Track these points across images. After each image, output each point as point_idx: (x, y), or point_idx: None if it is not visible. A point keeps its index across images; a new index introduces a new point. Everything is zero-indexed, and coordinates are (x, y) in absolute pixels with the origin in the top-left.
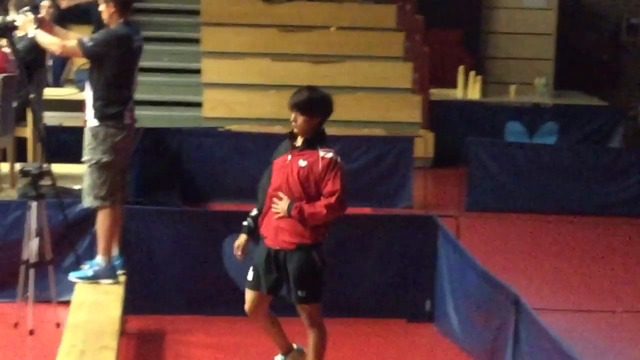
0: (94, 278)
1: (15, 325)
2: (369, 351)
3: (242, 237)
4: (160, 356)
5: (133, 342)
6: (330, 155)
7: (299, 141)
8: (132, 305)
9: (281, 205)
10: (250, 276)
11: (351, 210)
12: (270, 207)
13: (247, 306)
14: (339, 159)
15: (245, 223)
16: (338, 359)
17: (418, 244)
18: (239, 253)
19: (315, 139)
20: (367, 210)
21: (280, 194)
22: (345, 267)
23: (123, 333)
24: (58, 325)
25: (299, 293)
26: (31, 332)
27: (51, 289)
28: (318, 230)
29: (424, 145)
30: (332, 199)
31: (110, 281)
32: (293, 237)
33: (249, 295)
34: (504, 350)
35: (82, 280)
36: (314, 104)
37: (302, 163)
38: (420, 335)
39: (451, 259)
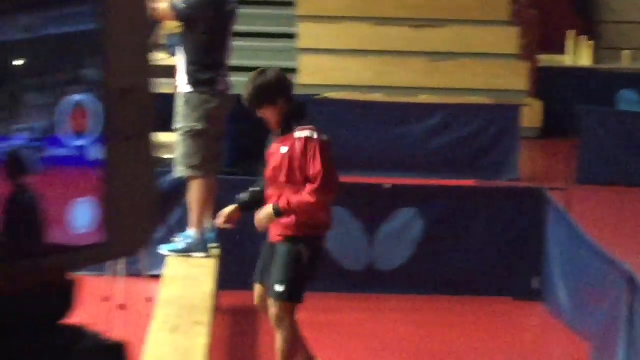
0: (186, 251)
1: (105, 299)
2: (473, 330)
3: (230, 207)
4: (253, 333)
5: (226, 318)
6: (304, 134)
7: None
8: (225, 280)
9: (261, 215)
10: (256, 270)
11: (455, 183)
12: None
13: (255, 300)
14: (315, 135)
15: (241, 195)
16: (442, 338)
17: (525, 219)
18: (221, 221)
19: (290, 121)
20: (471, 182)
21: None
22: (448, 243)
23: (216, 309)
24: (149, 299)
25: (277, 287)
26: (122, 307)
27: (141, 262)
28: (311, 221)
29: (531, 115)
30: (316, 183)
31: (202, 254)
32: (281, 229)
33: (255, 289)
34: (616, 331)
35: (174, 254)
36: (263, 91)
37: (283, 150)
38: (527, 314)
39: (561, 234)
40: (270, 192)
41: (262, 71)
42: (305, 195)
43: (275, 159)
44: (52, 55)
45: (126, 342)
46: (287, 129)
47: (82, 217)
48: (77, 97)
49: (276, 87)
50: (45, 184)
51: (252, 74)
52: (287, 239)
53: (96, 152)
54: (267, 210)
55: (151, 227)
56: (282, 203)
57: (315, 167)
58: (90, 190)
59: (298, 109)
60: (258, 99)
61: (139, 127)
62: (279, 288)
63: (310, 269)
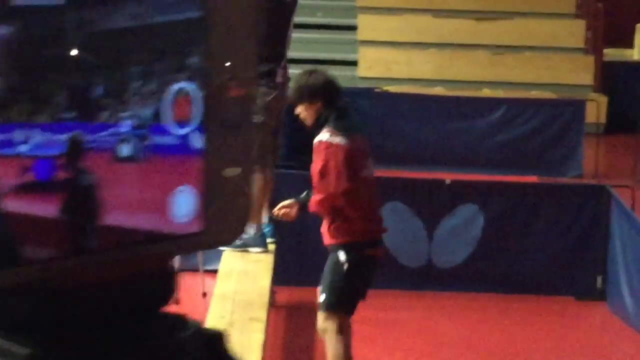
0: (243, 246)
1: None
2: (534, 330)
3: (290, 200)
4: (310, 330)
5: (282, 314)
6: (320, 137)
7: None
8: (281, 276)
9: (291, 213)
10: None
11: (516, 179)
12: None
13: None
14: (326, 138)
15: (301, 195)
16: (501, 337)
17: (589, 216)
18: (278, 211)
19: (321, 125)
20: (533, 178)
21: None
22: (510, 240)
23: (272, 305)
24: (205, 294)
25: (320, 297)
26: (177, 302)
27: (197, 257)
28: (343, 226)
29: (596, 110)
30: (315, 183)
31: (259, 249)
32: (323, 236)
33: (317, 291)
34: None
35: (230, 248)
36: (306, 90)
37: (314, 155)
38: (590, 314)
39: (625, 232)
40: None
41: (312, 72)
42: (313, 197)
43: (312, 161)
44: (159, 43)
45: (226, 332)
46: (318, 131)
47: (182, 205)
48: (181, 85)
49: (319, 90)
50: (148, 172)
51: (303, 71)
52: (330, 247)
53: (197, 141)
54: (294, 208)
55: (246, 218)
56: (312, 203)
57: (315, 167)
58: (191, 179)
59: (329, 115)
60: (298, 93)
61: (239, 117)
62: (320, 298)
63: (354, 278)
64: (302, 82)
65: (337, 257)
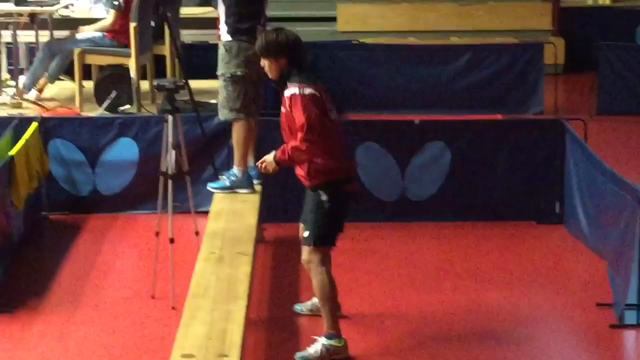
0: (231, 188)
1: (157, 234)
2: (502, 252)
3: (270, 155)
4: (295, 261)
5: (270, 248)
6: (291, 91)
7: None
8: (267, 213)
9: (266, 162)
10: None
11: (482, 117)
12: None
13: (300, 237)
14: (297, 91)
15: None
16: (470, 260)
17: (547, 148)
18: (261, 167)
19: (287, 79)
20: (498, 117)
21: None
22: (475, 173)
23: (260, 240)
24: (197, 233)
25: (304, 233)
26: (172, 241)
27: (189, 200)
28: (320, 168)
29: (555, 52)
30: (302, 132)
31: (247, 190)
32: (301, 178)
33: (299, 227)
34: (630, 248)
35: (220, 190)
36: (272, 47)
37: (282, 109)
38: (550, 236)
39: (579, 162)
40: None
41: (280, 29)
42: (295, 144)
43: (281, 115)
44: None
45: None
46: (285, 88)
47: None
48: None
49: (284, 47)
50: None
51: (271, 28)
52: (311, 187)
53: None
54: (269, 157)
55: None
56: (279, 152)
57: (298, 119)
58: None
59: (295, 69)
60: (265, 48)
61: None
62: (305, 234)
63: (335, 214)
64: (270, 39)
65: (319, 197)
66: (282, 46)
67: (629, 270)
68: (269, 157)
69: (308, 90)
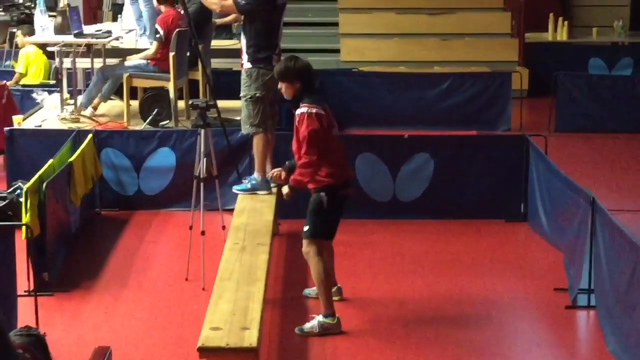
0: (252, 190)
1: (190, 227)
2: (474, 245)
3: (278, 169)
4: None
5: (284, 240)
6: (301, 110)
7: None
8: (282, 211)
9: (284, 191)
10: None
11: (460, 133)
12: None
13: None
14: (304, 110)
15: (287, 162)
16: (449, 252)
17: (514, 159)
18: (270, 175)
19: (299, 100)
20: (473, 132)
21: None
22: (454, 179)
23: (276, 233)
24: (224, 227)
25: (304, 227)
26: (202, 233)
27: (218, 199)
28: (323, 173)
29: (520, 79)
30: (304, 147)
31: (265, 192)
32: (311, 183)
33: None
34: (583, 242)
35: (243, 192)
36: (290, 71)
37: (299, 124)
38: (516, 232)
39: (540, 170)
40: (294, 151)
41: (297, 58)
42: (303, 157)
43: (294, 129)
44: None
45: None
46: (296, 104)
47: None
48: None
49: (300, 72)
50: None
51: (288, 56)
52: (313, 190)
53: None
54: (286, 188)
55: None
56: (292, 179)
57: (302, 133)
58: None
59: (306, 92)
60: (284, 73)
61: None
62: (305, 228)
63: (330, 212)
64: (288, 65)
65: (319, 197)
66: (297, 72)
67: (582, 260)
68: (286, 190)
69: (315, 110)
